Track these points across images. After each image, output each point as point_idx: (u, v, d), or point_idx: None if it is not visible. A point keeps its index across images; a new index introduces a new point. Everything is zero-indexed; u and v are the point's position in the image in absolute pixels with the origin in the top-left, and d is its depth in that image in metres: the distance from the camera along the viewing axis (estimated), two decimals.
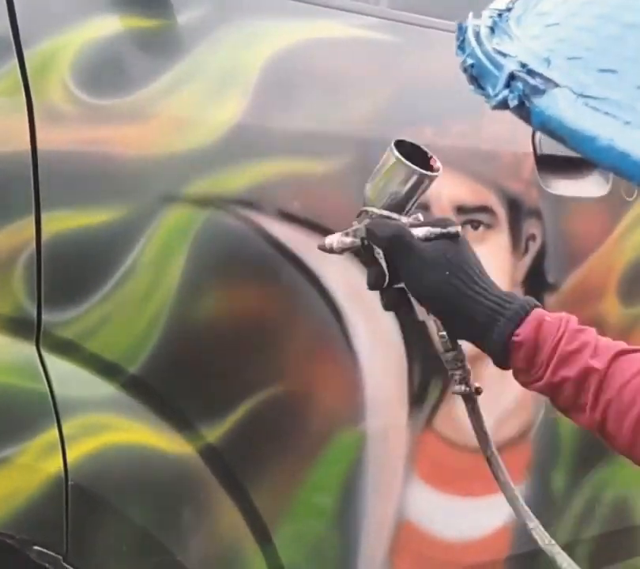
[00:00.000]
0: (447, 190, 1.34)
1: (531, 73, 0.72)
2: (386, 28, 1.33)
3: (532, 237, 1.43)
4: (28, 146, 0.99)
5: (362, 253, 1.03)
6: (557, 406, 0.99)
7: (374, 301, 1.25)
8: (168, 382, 1.07)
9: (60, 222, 1.01)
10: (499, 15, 0.77)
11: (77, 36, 1.04)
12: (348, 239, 1.03)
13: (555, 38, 0.72)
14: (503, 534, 1.40)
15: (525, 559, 1.43)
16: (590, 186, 1.54)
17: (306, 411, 1.18)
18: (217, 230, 1.11)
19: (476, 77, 0.77)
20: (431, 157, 1.01)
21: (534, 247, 1.43)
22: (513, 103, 0.73)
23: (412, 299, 1.02)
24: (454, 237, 0.98)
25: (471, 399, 1.05)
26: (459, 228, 0.98)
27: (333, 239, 1.04)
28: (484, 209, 1.38)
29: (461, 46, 0.78)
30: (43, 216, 0.99)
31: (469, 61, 0.77)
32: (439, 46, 1.39)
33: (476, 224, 1.36)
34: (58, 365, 1.00)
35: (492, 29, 0.76)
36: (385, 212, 0.99)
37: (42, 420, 0.98)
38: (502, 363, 0.98)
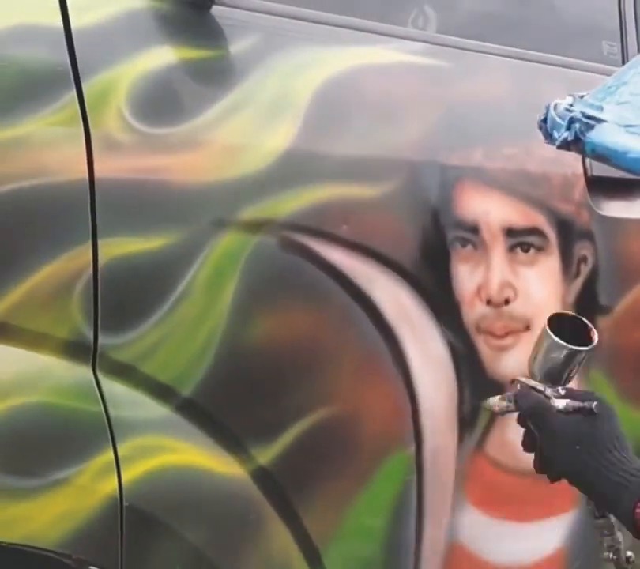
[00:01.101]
0: (497, 212, 1.34)
1: (587, 116, 0.96)
2: (434, 52, 1.35)
3: (584, 259, 1.42)
4: (86, 175, 1.02)
5: (517, 417, 1.09)
6: None
7: (424, 323, 1.25)
8: (221, 404, 1.09)
9: (116, 248, 1.03)
10: (578, 96, 1.01)
11: (132, 67, 1.07)
12: (505, 403, 1.10)
13: (610, 98, 0.97)
14: (557, 559, 1.38)
15: None
16: None
17: (356, 433, 1.19)
18: (268, 254, 1.13)
19: (548, 130, 1.00)
20: (591, 329, 1.07)
21: (586, 269, 1.42)
22: (571, 138, 0.97)
23: None
24: (591, 412, 1.03)
25: (620, 567, 1.09)
26: (594, 404, 1.02)
27: (493, 402, 1.12)
28: (534, 231, 1.37)
29: (544, 118, 1.01)
30: (100, 242, 1.02)
31: (543, 117, 1.00)
32: (486, 69, 1.40)
33: (526, 247, 1.36)
34: (113, 387, 1.02)
35: (570, 104, 0.99)
36: (532, 383, 1.06)
37: (98, 442, 1.00)
38: (636, 533, 1.01)
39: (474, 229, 1.31)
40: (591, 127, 0.95)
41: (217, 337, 1.09)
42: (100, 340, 1.02)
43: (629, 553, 1.07)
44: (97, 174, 1.02)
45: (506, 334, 1.33)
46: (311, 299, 1.17)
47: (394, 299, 1.22)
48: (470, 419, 1.29)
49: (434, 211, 1.28)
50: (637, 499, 0.98)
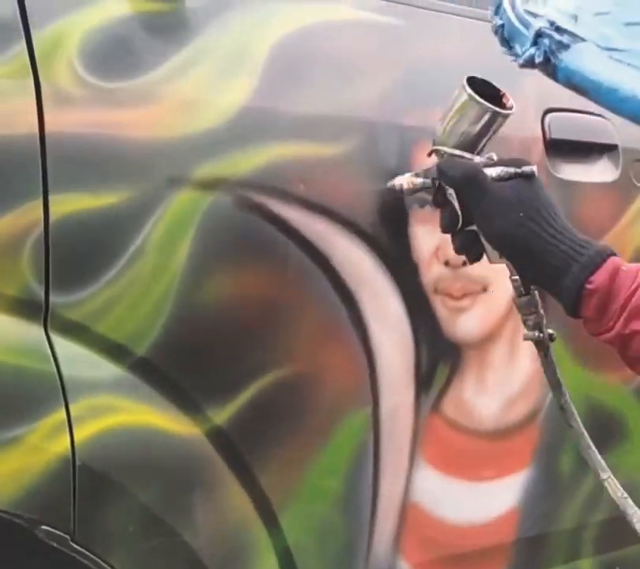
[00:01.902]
0: None
1: (558, 29, 0.75)
2: (395, 11, 1.33)
3: None
4: (36, 129, 0.99)
5: (433, 194, 0.99)
6: (624, 359, 0.95)
7: (381, 283, 1.25)
8: (175, 364, 1.08)
9: (68, 205, 1.01)
10: None
11: (85, 19, 1.04)
12: (419, 180, 1.01)
13: (586, 3, 0.74)
14: (510, 518, 1.40)
15: (531, 543, 1.43)
16: (599, 172, 1.53)
17: (313, 393, 1.19)
18: (224, 213, 1.12)
19: (507, 38, 0.79)
20: (504, 95, 0.98)
21: None
22: (539, 59, 0.75)
23: (485, 242, 0.99)
24: (529, 177, 0.94)
25: (543, 345, 1.02)
26: (534, 168, 0.94)
27: (402, 180, 1.02)
28: None
29: (497, 10, 0.80)
30: (51, 199, 1.00)
31: (500, 22, 0.79)
32: (447, 28, 1.39)
33: None
34: (65, 347, 1.00)
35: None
36: (458, 152, 0.96)
37: (49, 401, 0.98)
38: (572, 310, 0.94)
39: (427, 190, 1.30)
40: (564, 47, 0.75)
41: (172, 296, 1.07)
42: (52, 298, 1.00)
43: (551, 330, 1.02)
44: (48, 128, 1.00)
45: (464, 295, 1.33)
46: (268, 259, 1.16)
47: (352, 259, 1.21)
48: (427, 379, 1.29)
49: (392, 171, 1.27)
50: (589, 272, 0.91)
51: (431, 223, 1.30)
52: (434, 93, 1.35)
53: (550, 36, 0.76)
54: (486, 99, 0.97)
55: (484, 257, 1.03)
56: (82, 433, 0.99)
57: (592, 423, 1.46)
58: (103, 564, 1.00)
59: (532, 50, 0.77)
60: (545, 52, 0.76)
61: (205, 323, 1.10)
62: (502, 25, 0.80)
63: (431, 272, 1.30)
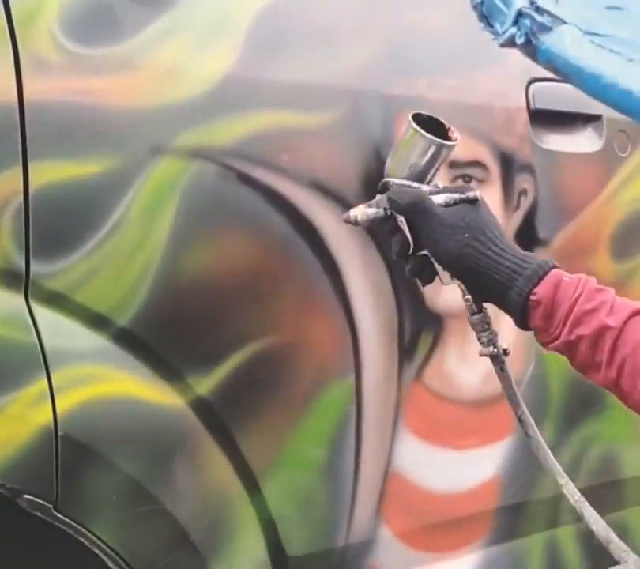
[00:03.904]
0: None
1: (539, 10, 0.74)
2: None
3: (525, 192, 1.42)
4: (15, 96, 0.98)
5: (386, 222, 1.05)
6: (575, 366, 1.00)
7: (365, 254, 1.25)
8: (158, 333, 1.07)
9: (48, 173, 1.00)
10: None
11: None
12: (372, 210, 1.06)
13: None
14: (490, 486, 1.41)
15: (511, 511, 1.45)
16: (583, 142, 1.53)
17: (296, 363, 1.19)
18: (207, 182, 1.11)
19: (486, 14, 0.78)
20: (449, 129, 1.04)
21: (526, 203, 1.43)
22: (520, 40, 0.75)
23: (436, 265, 1.04)
24: (473, 202, 1.01)
25: (499, 360, 1.07)
26: (477, 193, 1.00)
27: (357, 212, 1.08)
28: (477, 163, 1.37)
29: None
30: (31, 167, 0.99)
31: None
32: None
33: (468, 179, 1.35)
34: (47, 316, 1.00)
35: None
36: (405, 182, 1.03)
37: (31, 371, 0.98)
38: (522, 323, 0.99)
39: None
40: (546, 29, 0.75)
41: (155, 266, 1.07)
42: (32, 268, 0.99)
43: (505, 345, 1.07)
44: (27, 95, 0.99)
45: None
46: (251, 229, 1.16)
47: (335, 229, 1.21)
48: (410, 349, 1.30)
49: (376, 141, 1.27)
50: (532, 284, 0.96)
51: None
52: (419, 62, 1.34)
53: (531, 17, 0.75)
54: (432, 132, 1.03)
55: (436, 279, 1.08)
56: (64, 403, 0.99)
57: (574, 394, 1.48)
58: (86, 533, 1.00)
59: (513, 30, 0.76)
60: (526, 34, 0.75)
61: (187, 293, 1.10)
62: (482, 2, 0.79)
63: None
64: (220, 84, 1.12)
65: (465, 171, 1.35)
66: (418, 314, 1.30)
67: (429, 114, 1.06)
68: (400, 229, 1.03)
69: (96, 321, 1.03)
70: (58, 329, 1.01)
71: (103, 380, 1.03)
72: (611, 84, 0.73)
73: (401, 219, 1.03)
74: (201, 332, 1.11)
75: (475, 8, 0.80)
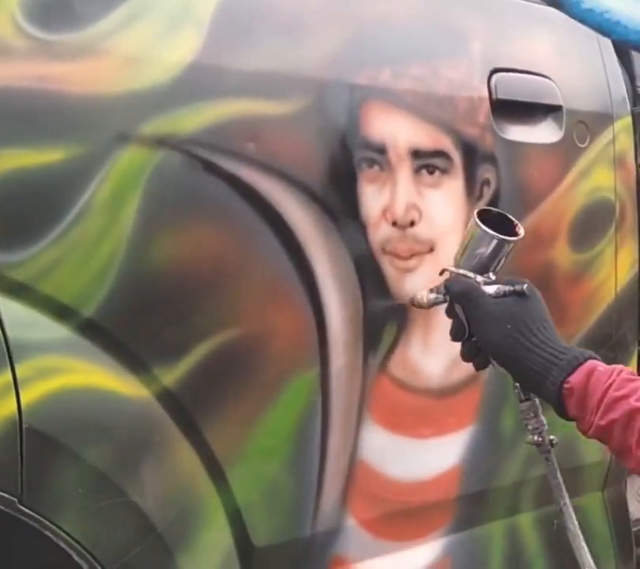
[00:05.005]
0: (403, 134, 1.33)
1: None
2: None
3: (487, 182, 1.43)
4: None
5: (447, 307, 1.11)
6: (613, 452, 1.04)
7: (330, 243, 1.25)
8: (124, 324, 1.06)
9: (9, 160, 0.98)
10: None
11: None
12: (433, 295, 1.12)
13: None
14: (452, 475, 1.43)
15: (473, 499, 1.46)
16: (544, 132, 1.54)
17: (261, 354, 1.18)
18: (171, 171, 1.09)
19: None
20: (517, 225, 1.11)
21: (488, 192, 1.44)
22: None
23: None
24: (522, 294, 1.06)
25: (544, 450, 1.10)
26: (525, 287, 1.06)
27: (422, 294, 1.13)
28: (440, 153, 1.37)
29: None
30: None
31: None
32: None
33: (431, 169, 1.36)
34: (10, 307, 0.98)
35: None
36: (462, 271, 1.09)
37: None
38: (560, 411, 1.03)
39: (380, 150, 1.30)
40: None
41: (120, 256, 1.05)
42: None
43: (552, 436, 1.10)
44: None
45: (411, 256, 1.33)
46: (216, 218, 1.15)
47: (300, 219, 1.21)
48: (374, 339, 1.30)
49: (341, 131, 1.26)
50: (566, 374, 1.01)
51: (379, 183, 1.30)
52: (384, 52, 1.34)
53: None
54: (499, 226, 1.10)
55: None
56: (29, 395, 0.97)
57: None
58: (51, 526, 0.99)
59: None
60: None
61: (153, 284, 1.09)
62: None
63: (379, 232, 1.30)
64: (185, 71, 1.11)
65: (429, 160, 1.36)
66: (382, 305, 1.31)
67: (497, 210, 1.13)
68: (457, 315, 1.09)
69: (61, 312, 1.02)
70: (22, 321, 0.99)
71: (68, 372, 1.02)
72: (592, 8, 0.80)
73: (459, 306, 1.09)
74: (167, 322, 1.10)
75: None
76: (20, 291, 0.99)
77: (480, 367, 1.10)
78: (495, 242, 1.08)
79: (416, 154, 1.33)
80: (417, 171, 1.33)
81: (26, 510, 0.98)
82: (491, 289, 1.07)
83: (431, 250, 1.35)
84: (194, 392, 1.11)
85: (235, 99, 1.15)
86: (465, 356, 1.10)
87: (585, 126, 1.59)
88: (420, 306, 1.13)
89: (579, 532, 1.11)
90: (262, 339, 1.18)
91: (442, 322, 1.36)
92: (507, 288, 1.07)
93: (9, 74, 0.98)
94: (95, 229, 1.04)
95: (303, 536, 1.25)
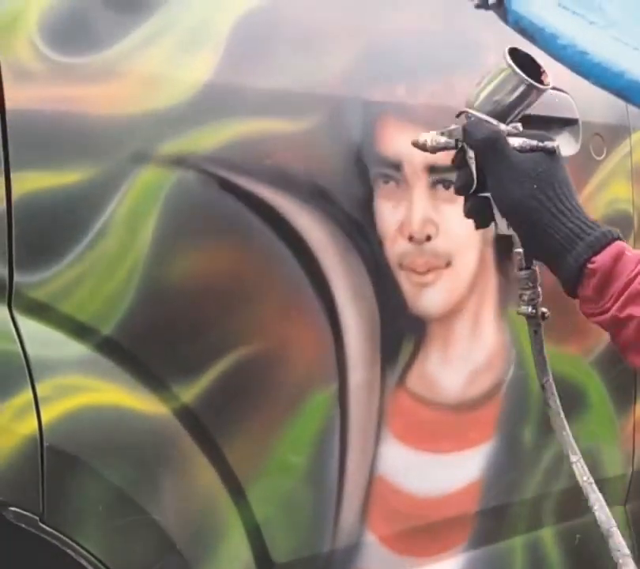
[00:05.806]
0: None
1: None
2: None
3: None
4: None
5: (454, 154, 1.00)
6: (616, 343, 0.95)
7: (347, 259, 1.25)
8: (142, 342, 1.07)
9: (31, 182, 0.99)
10: None
11: None
12: (443, 139, 1.01)
13: None
14: (472, 490, 1.42)
15: (494, 513, 1.46)
16: (560, 146, 1.54)
17: (280, 370, 1.19)
18: (189, 189, 1.10)
19: None
20: (544, 72, 0.98)
21: None
22: (492, 1, 0.78)
23: (496, 211, 0.98)
24: (551, 153, 0.95)
25: (535, 322, 1.03)
26: (556, 144, 0.95)
27: (427, 137, 1.02)
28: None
29: None
30: (13, 177, 0.98)
31: None
32: (415, 3, 1.38)
33: (447, 184, 1.36)
34: (30, 326, 0.99)
35: None
36: (485, 117, 0.97)
37: (15, 382, 0.97)
38: (570, 289, 0.94)
39: (396, 166, 1.30)
40: None
41: (138, 274, 1.06)
42: (16, 278, 0.99)
43: (544, 309, 1.02)
44: (8, 104, 0.98)
45: (428, 271, 1.33)
46: (234, 236, 1.16)
47: (317, 235, 1.21)
48: (392, 353, 1.30)
49: (356, 147, 1.27)
50: (592, 252, 0.91)
51: (395, 199, 1.31)
52: (399, 67, 1.34)
53: None
54: (525, 71, 0.97)
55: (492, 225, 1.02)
56: (49, 413, 0.98)
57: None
58: (72, 545, 1.00)
59: None
60: None
61: (171, 301, 1.10)
62: None
63: (396, 247, 1.30)
64: (202, 91, 1.12)
65: (446, 175, 1.36)
66: (400, 319, 1.31)
67: (527, 52, 0.98)
68: (467, 164, 0.98)
69: (80, 330, 1.03)
70: (43, 339, 1.00)
71: (88, 390, 1.02)
72: (569, 44, 0.74)
73: (471, 154, 0.97)
74: (186, 340, 1.11)
75: None
76: (41, 310, 1.00)
77: (481, 225, 0.99)
78: (523, 87, 0.95)
79: (432, 169, 1.34)
80: (433, 185, 1.34)
81: (47, 528, 0.98)
82: (515, 142, 0.95)
83: (448, 264, 1.35)
84: (213, 409, 1.12)
85: (252, 117, 1.17)
86: (469, 212, 0.99)
87: (602, 138, 1.59)
88: (426, 149, 1.01)
89: (560, 411, 1.04)
90: (280, 355, 1.19)
91: (461, 336, 1.37)
92: (535, 142, 0.94)
93: (28, 97, 1.00)
94: (113, 248, 1.05)
95: (322, 553, 1.25)
